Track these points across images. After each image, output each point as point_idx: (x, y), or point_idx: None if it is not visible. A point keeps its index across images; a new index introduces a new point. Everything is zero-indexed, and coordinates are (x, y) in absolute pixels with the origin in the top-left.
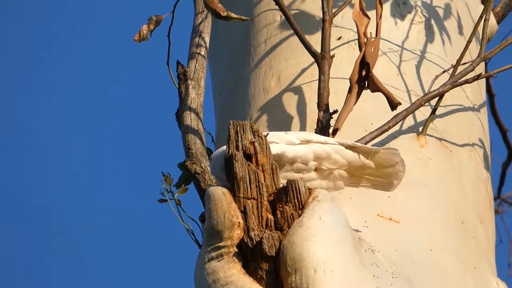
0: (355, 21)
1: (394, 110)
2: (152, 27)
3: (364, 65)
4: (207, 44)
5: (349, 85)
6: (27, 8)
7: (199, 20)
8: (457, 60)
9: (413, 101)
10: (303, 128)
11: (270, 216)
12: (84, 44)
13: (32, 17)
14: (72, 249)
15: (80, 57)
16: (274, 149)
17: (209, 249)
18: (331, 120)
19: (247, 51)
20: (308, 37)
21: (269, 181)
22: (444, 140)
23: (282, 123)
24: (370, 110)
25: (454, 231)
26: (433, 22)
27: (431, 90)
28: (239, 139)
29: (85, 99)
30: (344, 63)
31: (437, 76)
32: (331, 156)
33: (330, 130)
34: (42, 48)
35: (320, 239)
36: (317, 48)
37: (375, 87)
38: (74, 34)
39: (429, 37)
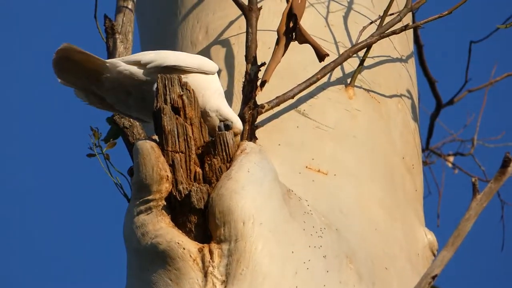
0: None
1: (322, 62)
2: None
3: (291, 17)
4: None
5: (277, 37)
6: None
7: None
8: (384, 11)
9: (341, 53)
10: (231, 81)
11: (199, 170)
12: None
13: None
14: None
15: (4, 16)
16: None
17: (138, 202)
18: (259, 72)
19: (174, 4)
20: None
21: (197, 134)
22: (372, 91)
23: None
24: (298, 62)
25: (382, 182)
26: None
27: (358, 42)
28: (167, 92)
29: (12, 55)
30: (271, 15)
31: (364, 28)
32: None
33: (258, 83)
34: None
35: (249, 192)
36: (245, 1)
37: (303, 39)
38: None
39: None
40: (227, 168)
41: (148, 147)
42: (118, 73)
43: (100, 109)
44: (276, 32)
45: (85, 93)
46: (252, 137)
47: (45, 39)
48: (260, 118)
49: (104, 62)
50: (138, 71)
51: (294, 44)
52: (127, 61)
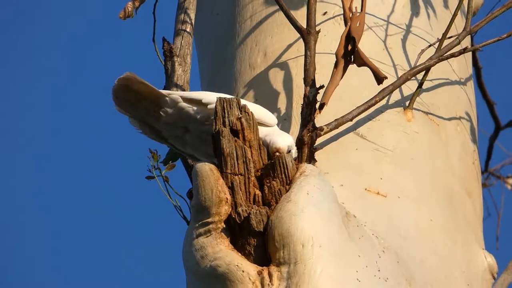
0: None
1: (381, 85)
2: (137, 4)
3: (349, 40)
4: (193, 21)
5: (335, 60)
6: None
7: None
8: (443, 34)
9: (399, 75)
10: (289, 103)
11: (258, 192)
12: (68, 22)
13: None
14: (65, 226)
15: (64, 34)
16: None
17: (197, 225)
18: (318, 95)
19: (233, 27)
20: (293, 13)
21: (256, 156)
22: (431, 114)
23: (268, 99)
24: (357, 85)
25: (441, 205)
26: None
27: (417, 64)
28: (226, 115)
29: (70, 77)
30: (329, 38)
31: (423, 50)
32: None
33: (317, 105)
34: (15, 32)
35: (308, 214)
36: (303, 24)
37: (361, 62)
38: (56, 11)
39: (415, 11)
40: (287, 191)
41: (207, 170)
42: (180, 109)
43: (153, 140)
44: (334, 55)
45: (140, 123)
46: (311, 160)
47: (104, 62)
48: (319, 141)
49: (164, 96)
50: (201, 111)
51: (352, 67)
52: (187, 98)
